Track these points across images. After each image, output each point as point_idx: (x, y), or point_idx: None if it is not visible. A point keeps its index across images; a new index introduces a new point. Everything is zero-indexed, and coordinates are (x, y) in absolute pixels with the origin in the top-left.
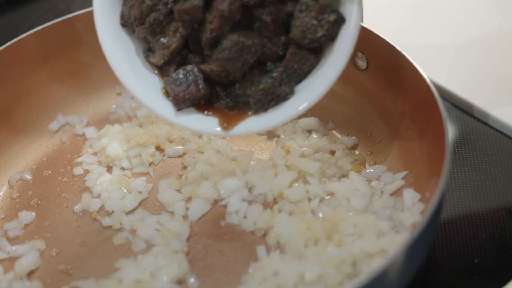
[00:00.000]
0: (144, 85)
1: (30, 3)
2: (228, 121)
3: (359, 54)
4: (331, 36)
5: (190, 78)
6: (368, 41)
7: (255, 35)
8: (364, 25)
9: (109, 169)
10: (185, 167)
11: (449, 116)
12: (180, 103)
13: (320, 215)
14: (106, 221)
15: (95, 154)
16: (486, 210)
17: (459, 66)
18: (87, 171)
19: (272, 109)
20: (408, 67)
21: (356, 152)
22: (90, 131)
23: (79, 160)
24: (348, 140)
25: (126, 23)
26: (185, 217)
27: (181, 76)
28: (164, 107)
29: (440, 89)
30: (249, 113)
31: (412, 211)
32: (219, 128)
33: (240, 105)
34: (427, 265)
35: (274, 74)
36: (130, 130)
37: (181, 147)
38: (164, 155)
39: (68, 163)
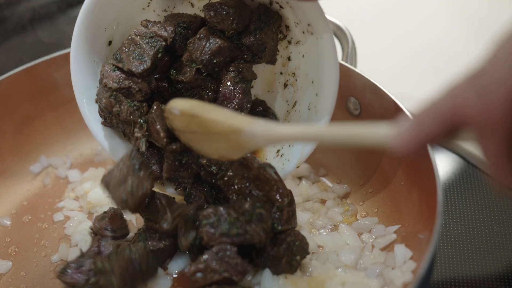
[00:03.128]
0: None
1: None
2: None
3: (352, 99)
4: None
5: None
6: (361, 87)
7: None
8: (358, 70)
9: (90, 215)
10: None
11: (448, 164)
12: None
13: (310, 269)
14: None
15: (77, 198)
16: (482, 267)
17: None
18: (67, 217)
19: None
20: (401, 116)
21: (348, 201)
22: (73, 174)
23: (60, 205)
24: (340, 188)
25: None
26: (165, 268)
27: None
28: None
29: None
30: None
31: (403, 270)
32: None
33: None
34: None
35: None
36: None
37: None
38: None
39: (49, 208)
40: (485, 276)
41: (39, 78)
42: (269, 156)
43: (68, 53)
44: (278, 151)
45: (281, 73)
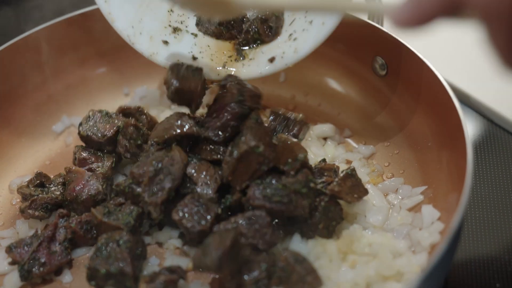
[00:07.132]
0: None
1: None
2: None
3: (379, 60)
4: None
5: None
6: (388, 46)
7: None
8: (385, 29)
9: None
10: None
11: (474, 126)
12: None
13: (338, 231)
14: None
15: None
16: (509, 229)
17: (486, 73)
18: None
19: None
20: (430, 76)
21: (374, 162)
22: None
23: None
24: (366, 149)
25: None
26: None
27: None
28: None
29: (465, 96)
30: None
31: (431, 231)
32: None
33: None
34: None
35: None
36: None
37: None
38: None
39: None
40: None
41: (61, 37)
42: (279, 40)
43: (93, 12)
44: (290, 35)
45: None
